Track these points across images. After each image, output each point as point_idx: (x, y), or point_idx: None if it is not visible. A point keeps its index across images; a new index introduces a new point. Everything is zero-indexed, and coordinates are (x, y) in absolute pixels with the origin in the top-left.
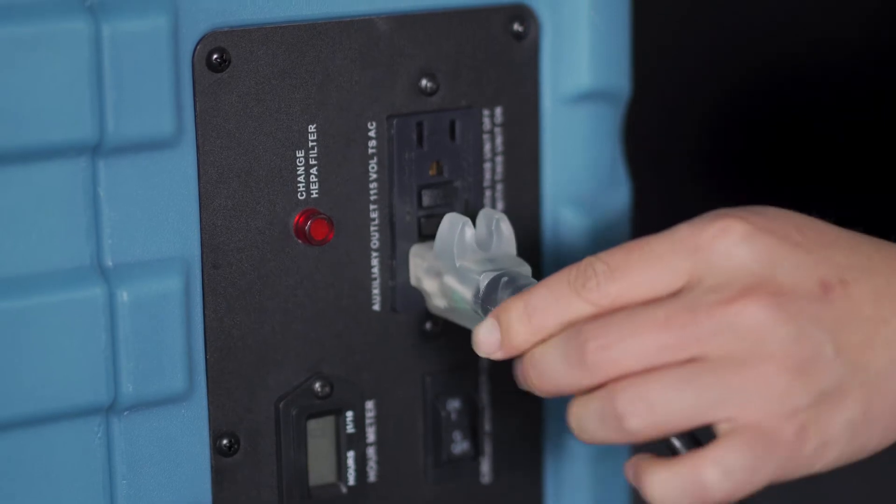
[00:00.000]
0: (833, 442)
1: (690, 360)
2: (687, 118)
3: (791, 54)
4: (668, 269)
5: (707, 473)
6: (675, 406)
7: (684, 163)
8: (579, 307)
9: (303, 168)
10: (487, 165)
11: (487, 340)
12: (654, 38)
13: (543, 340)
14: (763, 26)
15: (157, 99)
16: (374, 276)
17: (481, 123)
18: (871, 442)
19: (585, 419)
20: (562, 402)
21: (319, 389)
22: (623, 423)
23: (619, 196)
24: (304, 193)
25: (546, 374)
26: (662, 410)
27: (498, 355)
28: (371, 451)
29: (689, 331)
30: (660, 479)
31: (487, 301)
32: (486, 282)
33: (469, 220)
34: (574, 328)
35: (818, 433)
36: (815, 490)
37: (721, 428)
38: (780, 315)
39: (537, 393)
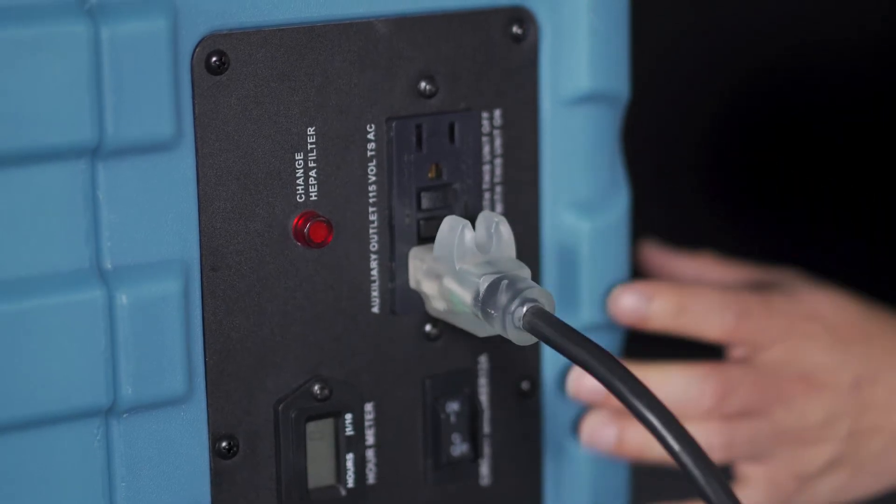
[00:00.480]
0: (818, 497)
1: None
2: (688, 121)
3: (793, 56)
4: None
5: None
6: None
7: (685, 165)
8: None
9: (302, 170)
10: (487, 168)
11: (634, 307)
12: (654, 40)
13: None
14: (764, 28)
15: (156, 101)
16: (373, 278)
17: (480, 126)
18: (852, 497)
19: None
20: (561, 404)
21: (318, 392)
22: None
23: (618, 198)
24: (303, 196)
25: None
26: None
27: (632, 322)
28: (370, 454)
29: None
30: None
31: (487, 304)
32: (485, 285)
33: (469, 223)
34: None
35: (810, 491)
36: None
37: (745, 472)
38: (820, 403)
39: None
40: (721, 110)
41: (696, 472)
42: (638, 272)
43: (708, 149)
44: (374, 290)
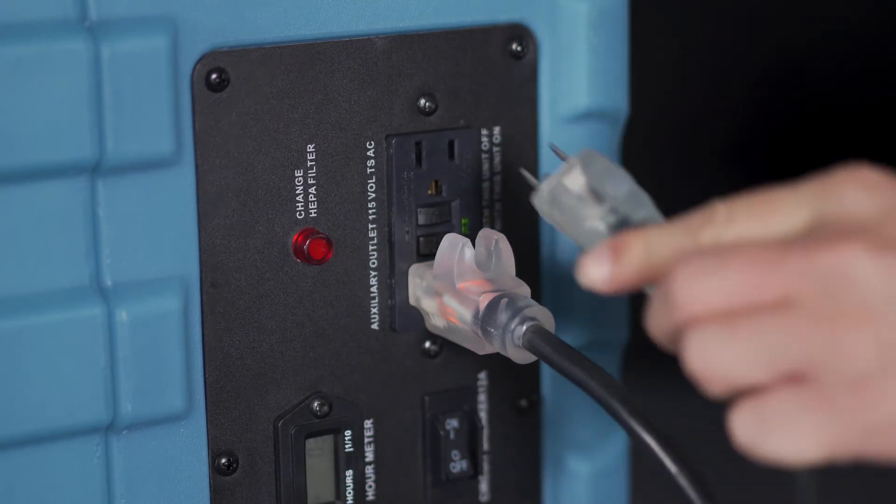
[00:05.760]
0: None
1: (778, 304)
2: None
3: (796, 66)
4: (786, 215)
5: (731, 419)
6: (734, 358)
7: (690, 183)
8: (692, 250)
9: (301, 187)
10: (486, 185)
11: (595, 268)
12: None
13: (649, 279)
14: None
15: (156, 119)
16: (372, 295)
17: (480, 143)
18: None
19: (656, 314)
20: (560, 421)
21: (318, 408)
22: (685, 362)
23: None
24: (302, 213)
25: (654, 313)
26: (720, 362)
27: (602, 286)
28: (370, 470)
29: (777, 270)
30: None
31: (487, 322)
32: (485, 303)
33: (468, 241)
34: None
35: (891, 405)
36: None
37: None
38: (874, 267)
39: (655, 338)
40: (727, 124)
41: (693, 494)
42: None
43: (716, 166)
44: (374, 307)
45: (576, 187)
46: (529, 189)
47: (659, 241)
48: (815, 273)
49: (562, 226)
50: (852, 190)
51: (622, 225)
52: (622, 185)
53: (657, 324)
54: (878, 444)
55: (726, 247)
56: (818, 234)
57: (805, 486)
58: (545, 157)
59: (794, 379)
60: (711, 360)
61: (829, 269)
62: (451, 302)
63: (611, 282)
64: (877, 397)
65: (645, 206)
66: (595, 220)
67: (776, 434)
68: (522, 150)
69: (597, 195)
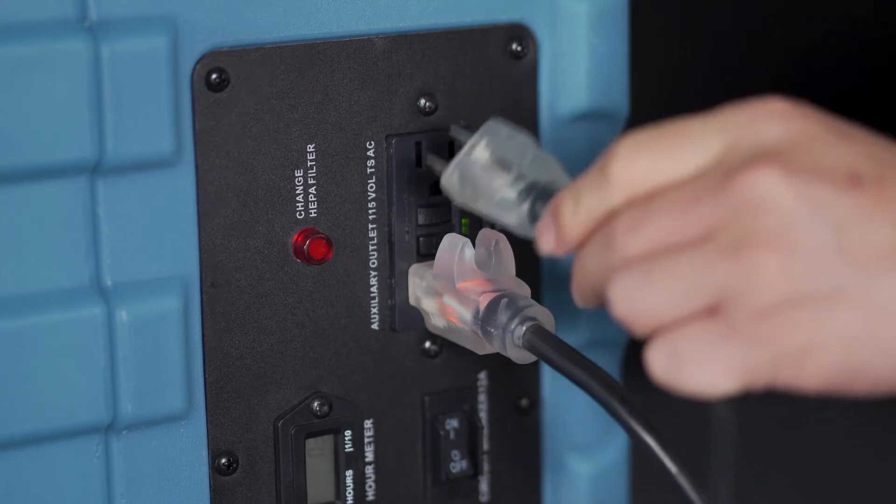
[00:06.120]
0: (823, 349)
1: (698, 240)
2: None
3: (796, 66)
4: (696, 147)
5: (647, 354)
6: (651, 298)
7: None
8: (614, 195)
9: (301, 187)
10: None
11: (544, 238)
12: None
13: (588, 230)
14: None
15: (156, 119)
16: (372, 295)
17: None
18: (874, 367)
19: (587, 271)
20: (560, 421)
21: (318, 408)
22: (610, 308)
23: None
24: (302, 213)
25: (584, 266)
26: (639, 303)
27: (556, 251)
28: (370, 470)
29: (692, 208)
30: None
31: (487, 322)
32: (485, 303)
33: (468, 241)
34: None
35: (801, 334)
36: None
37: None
38: (787, 191)
39: (580, 302)
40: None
41: (693, 494)
42: None
43: None
44: (374, 307)
45: (482, 160)
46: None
47: (580, 193)
48: (727, 202)
49: (474, 202)
50: (764, 119)
51: (531, 190)
52: (527, 152)
53: (585, 277)
54: (791, 372)
55: (655, 195)
56: (731, 164)
57: (722, 418)
58: None
59: (712, 312)
60: (632, 302)
61: (741, 195)
62: (451, 302)
63: (558, 245)
64: (787, 326)
65: (550, 167)
66: (505, 189)
67: (689, 366)
68: None
69: (503, 164)
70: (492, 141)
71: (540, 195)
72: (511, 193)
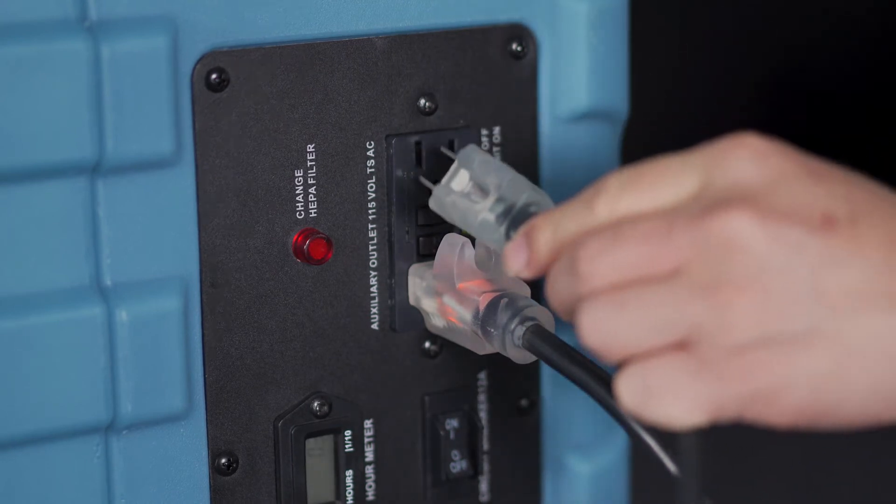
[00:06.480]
0: (792, 389)
1: (668, 275)
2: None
3: (796, 66)
4: (675, 184)
5: (616, 382)
6: (621, 329)
7: None
8: (592, 223)
9: (301, 187)
10: None
11: (515, 258)
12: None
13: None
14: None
15: (156, 119)
16: (372, 295)
17: (480, 143)
18: (844, 406)
19: (556, 291)
20: (560, 421)
21: (318, 408)
22: (580, 336)
23: None
24: (302, 213)
25: (554, 288)
26: (609, 333)
27: (525, 273)
28: (370, 470)
29: (665, 242)
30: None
31: (487, 322)
32: (485, 303)
33: (468, 241)
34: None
35: (771, 373)
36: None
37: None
38: (761, 234)
39: (562, 318)
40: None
41: (693, 494)
42: None
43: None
44: (374, 307)
45: (461, 187)
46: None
47: (562, 220)
48: (701, 241)
49: (460, 223)
50: (739, 158)
51: (509, 212)
52: (504, 175)
53: (557, 298)
54: (760, 409)
55: (621, 222)
56: (705, 203)
57: (688, 443)
58: (545, 156)
59: (682, 346)
60: (602, 332)
61: (715, 236)
62: (450, 302)
63: (529, 267)
64: (757, 365)
65: (526, 189)
66: (484, 212)
67: (658, 399)
68: (522, 150)
69: (481, 189)
70: (469, 166)
71: (515, 219)
72: (490, 216)
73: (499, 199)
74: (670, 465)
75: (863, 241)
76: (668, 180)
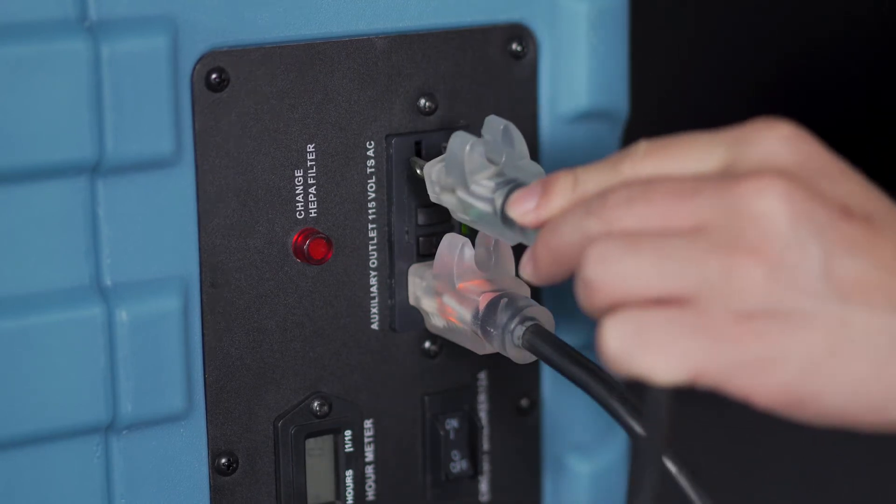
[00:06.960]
0: (781, 366)
1: (688, 232)
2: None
3: (797, 66)
4: (703, 154)
5: (606, 325)
6: (629, 269)
7: None
8: (614, 183)
9: (301, 187)
10: None
11: (526, 200)
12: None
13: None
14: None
15: (156, 118)
16: (372, 295)
17: None
18: (824, 397)
19: (561, 232)
20: (560, 421)
21: (318, 408)
22: (581, 269)
23: None
24: (302, 213)
25: (561, 230)
26: (615, 270)
27: (529, 218)
28: (370, 470)
29: (692, 200)
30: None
31: (487, 322)
32: (485, 303)
33: (468, 241)
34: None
35: (766, 344)
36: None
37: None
38: (787, 207)
39: (533, 271)
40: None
41: (693, 494)
42: None
43: None
44: (374, 307)
45: (477, 153)
46: None
47: (584, 175)
48: (727, 204)
49: (452, 190)
50: (770, 138)
51: (508, 184)
52: (521, 155)
53: (562, 240)
54: (744, 381)
55: (654, 181)
56: (738, 169)
57: (657, 400)
58: (545, 156)
59: (681, 302)
60: (608, 266)
61: (742, 202)
62: (450, 302)
63: (537, 212)
64: (752, 334)
65: (536, 172)
66: (484, 180)
67: (645, 348)
68: None
69: (493, 160)
70: (489, 141)
71: (513, 189)
72: (490, 184)
73: (501, 173)
74: (670, 466)
75: (876, 239)
76: (695, 153)
